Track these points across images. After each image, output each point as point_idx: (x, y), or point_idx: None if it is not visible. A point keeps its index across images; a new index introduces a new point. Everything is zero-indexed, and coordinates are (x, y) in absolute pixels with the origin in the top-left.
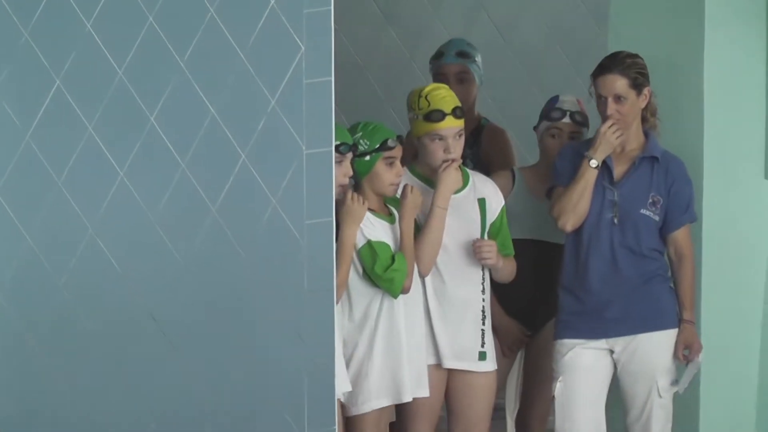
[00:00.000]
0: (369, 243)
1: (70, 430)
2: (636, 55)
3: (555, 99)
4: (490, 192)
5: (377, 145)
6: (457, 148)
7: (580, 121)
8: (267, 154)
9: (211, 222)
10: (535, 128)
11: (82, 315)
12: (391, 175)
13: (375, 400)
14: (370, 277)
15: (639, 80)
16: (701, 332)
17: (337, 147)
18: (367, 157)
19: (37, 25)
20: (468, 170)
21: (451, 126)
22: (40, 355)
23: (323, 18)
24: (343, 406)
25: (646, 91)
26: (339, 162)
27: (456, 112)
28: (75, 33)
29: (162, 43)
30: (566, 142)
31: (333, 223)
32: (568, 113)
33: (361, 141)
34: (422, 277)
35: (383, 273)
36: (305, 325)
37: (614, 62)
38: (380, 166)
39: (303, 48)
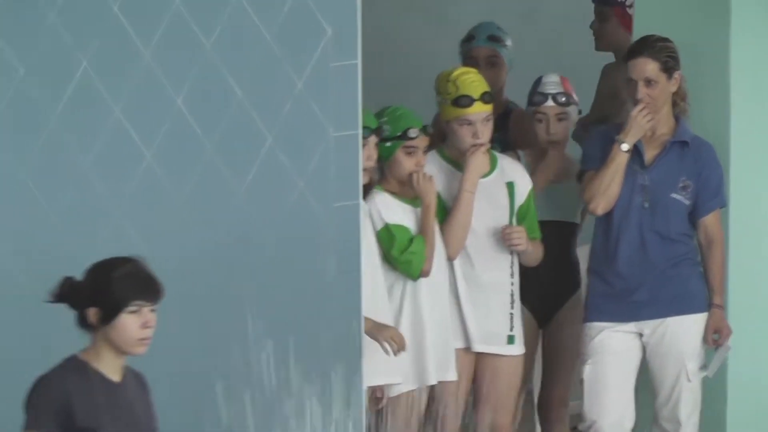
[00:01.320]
0: (387, 226)
1: None
2: (667, 39)
3: (538, 82)
4: (518, 175)
5: (399, 133)
6: (486, 132)
7: (563, 102)
8: (294, 137)
9: (237, 205)
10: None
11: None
12: (410, 164)
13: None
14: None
15: (670, 64)
16: (729, 317)
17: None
18: (389, 143)
19: (64, 6)
20: (496, 154)
21: (480, 111)
22: (63, 341)
23: (350, 1)
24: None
25: (676, 75)
26: (362, 146)
27: (484, 97)
28: (102, 15)
29: (188, 26)
30: (554, 124)
31: (360, 206)
32: (549, 96)
33: (385, 126)
34: (451, 260)
35: (400, 255)
36: (333, 309)
37: (645, 46)
38: (400, 154)
39: (329, 31)
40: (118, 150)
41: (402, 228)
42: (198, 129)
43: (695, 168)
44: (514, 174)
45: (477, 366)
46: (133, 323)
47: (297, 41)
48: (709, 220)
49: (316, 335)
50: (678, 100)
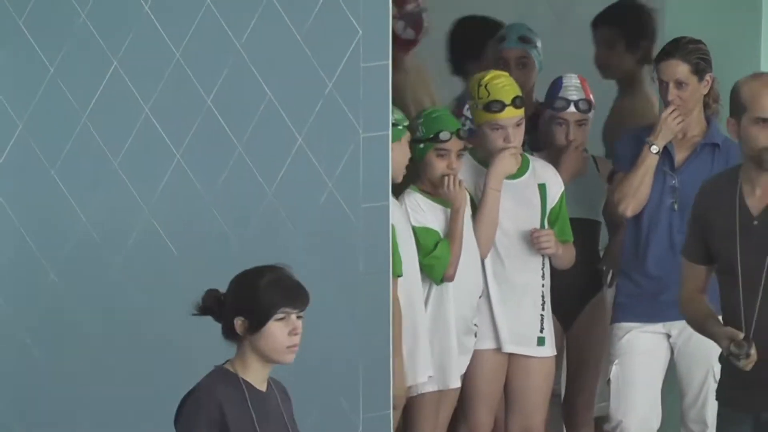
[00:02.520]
0: (413, 228)
1: (130, 408)
2: (699, 41)
3: (558, 84)
4: (550, 177)
5: (431, 135)
6: (517, 136)
7: (585, 109)
8: (323, 138)
9: (267, 204)
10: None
11: (136, 296)
12: (442, 166)
13: (420, 384)
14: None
15: (701, 66)
16: None
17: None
18: (422, 145)
19: (95, 6)
20: (529, 156)
21: (511, 116)
22: (93, 333)
23: (381, 2)
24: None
25: (708, 77)
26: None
27: (516, 102)
28: (132, 15)
29: (219, 26)
30: (574, 130)
31: (389, 207)
32: (572, 103)
33: (420, 126)
34: (482, 259)
35: (423, 259)
36: (361, 308)
37: (676, 48)
38: (431, 156)
39: (360, 31)
40: (148, 149)
41: (428, 231)
42: (228, 129)
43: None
44: (547, 176)
45: (509, 368)
46: (281, 331)
47: (328, 41)
48: None
49: (343, 336)
50: (710, 101)
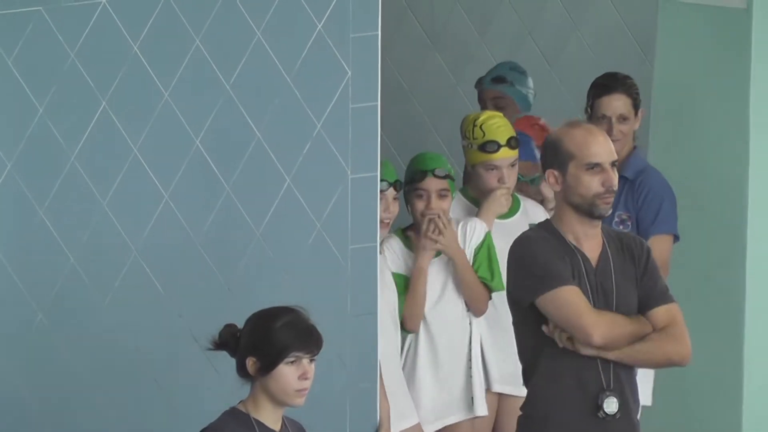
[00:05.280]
0: (393, 274)
1: None
2: (630, 77)
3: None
4: (540, 218)
5: (409, 177)
6: (512, 177)
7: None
8: (312, 179)
9: (255, 245)
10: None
11: (124, 335)
12: (420, 206)
13: (403, 420)
14: None
15: (638, 100)
16: (745, 322)
17: (395, 184)
18: (406, 188)
19: (84, 46)
20: (519, 197)
21: (506, 157)
22: (82, 374)
23: (370, 43)
24: None
25: (640, 112)
26: (396, 198)
27: (511, 143)
28: (121, 54)
29: (208, 66)
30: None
31: (377, 248)
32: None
33: (406, 173)
34: (477, 316)
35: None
36: (348, 350)
37: (616, 81)
38: (411, 198)
39: (349, 73)
40: (136, 190)
41: (399, 277)
42: (216, 169)
43: (634, 200)
44: (537, 217)
45: (498, 408)
46: (292, 374)
47: (317, 82)
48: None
49: (330, 377)
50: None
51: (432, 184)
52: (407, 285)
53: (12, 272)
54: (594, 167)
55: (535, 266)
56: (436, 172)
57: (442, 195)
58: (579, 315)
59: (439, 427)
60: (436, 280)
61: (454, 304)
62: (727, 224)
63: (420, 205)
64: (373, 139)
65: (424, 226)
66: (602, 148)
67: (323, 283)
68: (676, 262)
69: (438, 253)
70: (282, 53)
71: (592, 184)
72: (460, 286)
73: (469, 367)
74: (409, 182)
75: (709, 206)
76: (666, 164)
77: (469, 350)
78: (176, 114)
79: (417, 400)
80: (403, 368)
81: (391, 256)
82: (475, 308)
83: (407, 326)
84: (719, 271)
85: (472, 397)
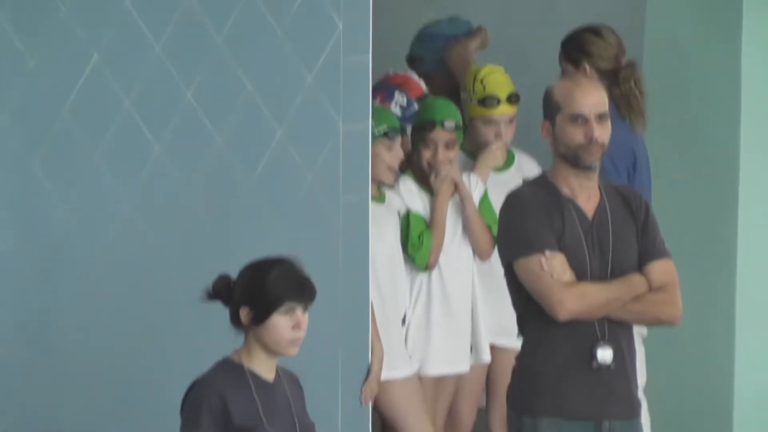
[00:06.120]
0: (408, 213)
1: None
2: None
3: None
4: (535, 171)
5: (419, 125)
6: (509, 132)
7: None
8: (303, 131)
9: (246, 197)
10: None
11: (116, 287)
12: (427, 155)
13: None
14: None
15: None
16: (736, 316)
17: (386, 132)
18: (414, 133)
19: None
20: (514, 150)
21: (505, 113)
22: (73, 322)
23: None
24: None
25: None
26: (390, 147)
27: (511, 99)
28: (113, 9)
29: (200, 19)
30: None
31: (369, 199)
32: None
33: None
34: (484, 260)
35: (410, 248)
36: (340, 299)
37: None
38: (419, 146)
39: (341, 26)
40: (127, 143)
41: (418, 219)
42: (208, 122)
43: None
44: (531, 170)
45: (492, 359)
46: (285, 324)
47: (308, 36)
48: None
49: (323, 328)
50: None
51: (440, 135)
52: (426, 225)
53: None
54: (577, 119)
55: (516, 229)
56: (446, 125)
57: (449, 146)
58: (548, 288)
59: (449, 372)
60: (447, 225)
61: (465, 249)
62: (720, 179)
63: (427, 153)
64: (365, 92)
65: (432, 176)
66: (587, 99)
67: (315, 234)
68: (668, 221)
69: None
70: (273, 6)
71: (576, 135)
72: (468, 229)
73: (474, 314)
74: (419, 128)
75: (702, 163)
76: (658, 123)
77: (473, 297)
78: (167, 67)
79: (429, 344)
80: (413, 312)
81: (409, 197)
82: (482, 251)
83: (431, 263)
84: (711, 226)
85: (472, 345)
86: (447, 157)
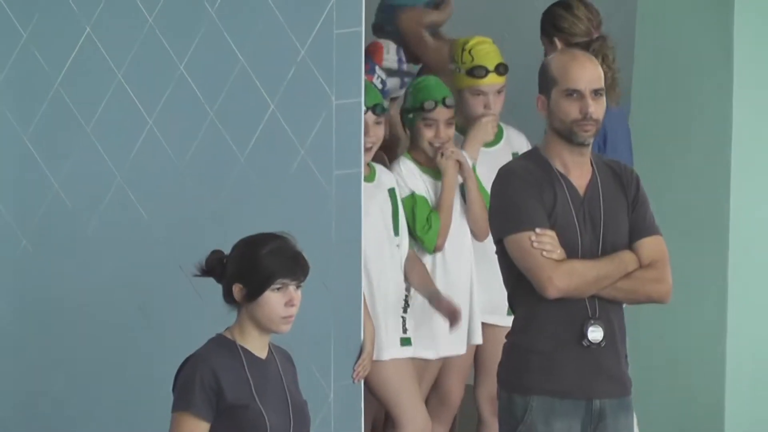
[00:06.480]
0: (413, 195)
1: (108, 371)
2: None
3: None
4: (524, 146)
5: (417, 105)
6: (498, 104)
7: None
8: (296, 105)
9: (239, 171)
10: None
11: (108, 263)
12: (429, 135)
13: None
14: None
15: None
16: (728, 310)
17: (373, 108)
18: (411, 115)
19: None
20: (502, 125)
21: (494, 83)
22: (66, 301)
23: None
24: None
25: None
26: (378, 123)
27: (499, 69)
28: None
29: None
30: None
31: (362, 174)
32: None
33: (408, 97)
34: (481, 240)
35: (417, 231)
36: (333, 275)
37: None
38: (419, 125)
39: None
40: (120, 115)
41: (424, 201)
42: (200, 94)
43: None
44: (520, 145)
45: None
46: (278, 301)
47: (300, 8)
48: None
49: (316, 303)
50: None
51: (442, 113)
52: (429, 206)
53: (30, 142)
54: (573, 93)
55: (507, 205)
56: (446, 101)
57: (449, 123)
58: (537, 265)
59: (448, 355)
60: None
61: (466, 230)
62: (712, 153)
63: (429, 133)
64: (357, 65)
65: (439, 155)
66: (583, 74)
67: (308, 210)
68: (659, 196)
69: (439, 177)
70: None
71: (571, 110)
72: (469, 209)
73: (471, 295)
74: (417, 110)
75: (693, 136)
76: (648, 102)
77: (470, 278)
78: (160, 40)
79: (430, 326)
80: (416, 294)
81: (412, 179)
82: (481, 231)
83: (439, 245)
84: (703, 201)
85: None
86: (448, 135)
